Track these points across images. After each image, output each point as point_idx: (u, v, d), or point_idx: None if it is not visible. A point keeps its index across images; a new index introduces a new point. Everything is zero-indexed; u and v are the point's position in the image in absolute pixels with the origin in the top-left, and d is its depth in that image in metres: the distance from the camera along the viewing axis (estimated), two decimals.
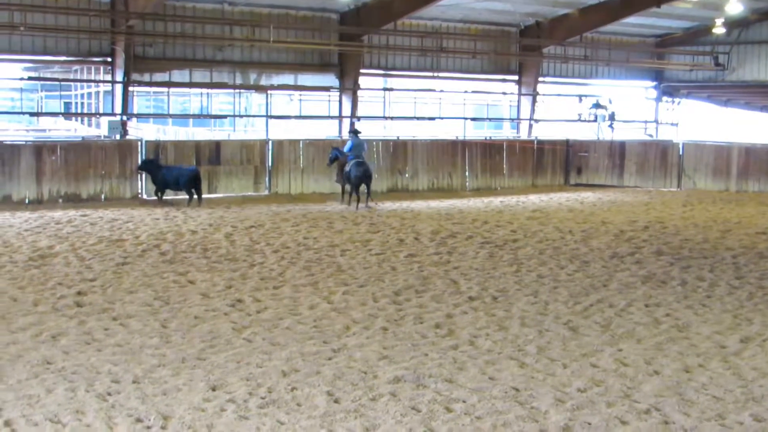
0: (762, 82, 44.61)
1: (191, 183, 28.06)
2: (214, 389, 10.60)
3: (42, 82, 41.47)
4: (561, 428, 9.65)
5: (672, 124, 45.86)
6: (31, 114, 42.26)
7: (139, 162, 28.89)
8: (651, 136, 45.11)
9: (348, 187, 29.06)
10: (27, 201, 27.43)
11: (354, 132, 30.04)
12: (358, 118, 38.08)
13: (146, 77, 34.70)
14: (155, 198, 28.50)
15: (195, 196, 28.10)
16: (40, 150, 28.12)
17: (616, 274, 18.35)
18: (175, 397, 10.31)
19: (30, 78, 37.35)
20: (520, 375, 11.42)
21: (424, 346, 12.69)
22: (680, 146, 38.06)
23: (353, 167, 28.32)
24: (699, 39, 45.43)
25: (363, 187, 28.52)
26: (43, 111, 44.01)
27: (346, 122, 37.70)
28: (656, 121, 46.95)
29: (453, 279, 17.44)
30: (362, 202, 28.61)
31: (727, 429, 9.77)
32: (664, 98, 48.35)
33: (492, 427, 9.65)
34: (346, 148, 29.36)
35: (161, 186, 28.51)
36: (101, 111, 37.53)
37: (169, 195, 28.76)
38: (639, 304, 15.64)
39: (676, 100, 48.22)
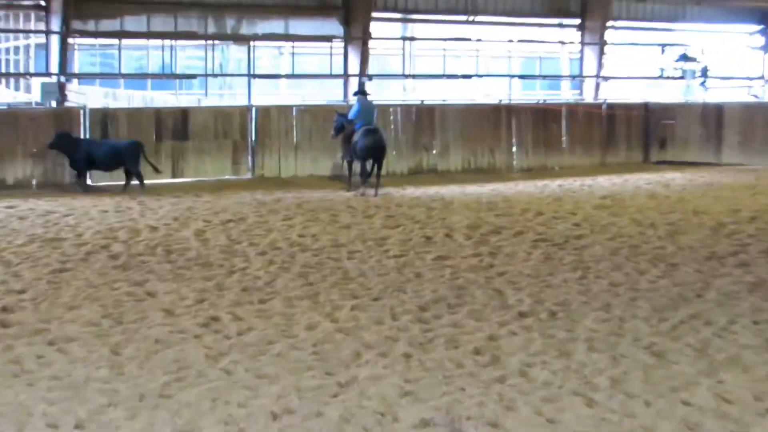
0: None
1: (128, 161, 28.22)
2: None
3: None
4: None
5: None
6: None
7: (51, 138, 28.53)
8: (757, 96, 44.98)
9: (357, 165, 29.26)
10: None
11: (362, 93, 30.24)
12: (370, 77, 38.08)
13: (91, 25, 34.75)
14: (76, 185, 28.67)
15: (134, 180, 28.08)
16: None
17: (713, 280, 18.27)
18: None
19: None
20: (588, 416, 11.34)
21: (459, 378, 12.62)
22: None
23: (361, 136, 28.59)
24: None
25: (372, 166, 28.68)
26: None
27: (354, 82, 37.69)
28: (764, 78, 46.81)
29: (497, 289, 17.39)
30: (375, 187, 28.73)
31: None
32: None
33: None
34: (351, 114, 29.60)
35: (83, 168, 28.68)
36: (32, 70, 37.60)
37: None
38: (745, 320, 15.54)
39: None
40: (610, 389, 12.23)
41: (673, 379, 12.68)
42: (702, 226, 23.97)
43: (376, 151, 28.31)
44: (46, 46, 33.78)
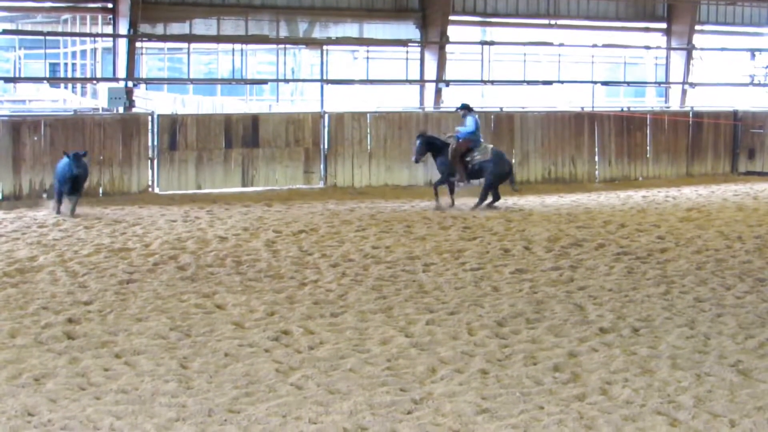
0: None
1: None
2: None
3: (21, 37, 42.05)
4: None
5: None
6: (6, 80, 42.85)
7: None
8: None
9: (458, 183, 29.12)
10: (0, 196, 27.79)
11: (469, 108, 29.62)
12: (447, 83, 38.09)
13: (159, 29, 34.99)
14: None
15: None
16: (18, 127, 28.53)
17: None
18: None
19: (5, 31, 37.88)
20: None
21: (538, 395, 12.65)
22: None
23: (494, 162, 28.60)
24: None
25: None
26: (22, 75, 44.60)
27: (430, 88, 37.70)
28: None
29: (578, 304, 17.37)
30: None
31: None
32: None
33: None
34: (469, 130, 29.07)
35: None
36: (99, 75, 37.94)
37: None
38: None
39: None
40: (694, 408, 12.21)
41: (760, 398, 12.64)
42: None
43: (505, 177, 28.86)
44: (113, 50, 34.02)
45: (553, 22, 40.96)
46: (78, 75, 41.83)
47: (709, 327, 16.00)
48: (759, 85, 42.87)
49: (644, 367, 13.86)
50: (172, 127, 29.93)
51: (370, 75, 40.54)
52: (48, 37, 40.24)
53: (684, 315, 16.73)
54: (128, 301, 16.97)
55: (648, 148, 36.18)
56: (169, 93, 40.37)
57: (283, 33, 37.12)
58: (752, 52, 44.07)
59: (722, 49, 44.76)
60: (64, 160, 25.43)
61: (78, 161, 25.25)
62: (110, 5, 33.29)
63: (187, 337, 14.93)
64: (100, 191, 28.88)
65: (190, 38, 36.06)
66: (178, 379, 12.97)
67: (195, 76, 39.20)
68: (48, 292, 17.56)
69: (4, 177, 28.03)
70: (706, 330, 15.81)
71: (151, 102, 35.94)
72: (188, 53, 38.06)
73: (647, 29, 43.23)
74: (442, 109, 36.54)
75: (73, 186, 25.40)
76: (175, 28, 35.39)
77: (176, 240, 22.46)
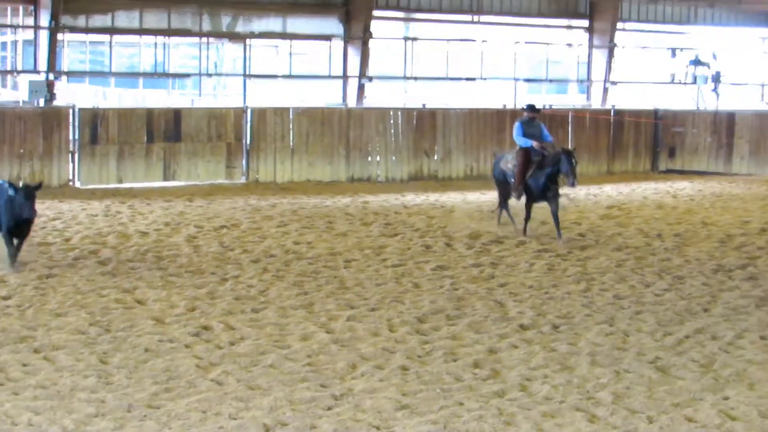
0: None
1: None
2: None
3: None
4: None
5: None
6: None
7: None
8: None
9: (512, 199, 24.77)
10: None
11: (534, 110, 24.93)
12: (370, 78, 38.10)
13: (81, 21, 34.75)
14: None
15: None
16: None
17: (721, 294, 18.35)
18: None
19: None
20: None
21: (458, 392, 12.71)
22: None
23: (535, 179, 23.56)
24: None
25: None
26: None
27: (353, 83, 37.70)
28: None
29: (498, 300, 17.47)
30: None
31: None
32: None
33: None
34: (546, 137, 24.28)
35: None
36: (20, 67, 37.60)
37: None
38: (752, 335, 15.63)
39: None
40: (612, 405, 12.33)
41: (677, 395, 12.78)
42: (710, 237, 24.06)
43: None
44: (34, 42, 33.78)
45: (476, 18, 41.06)
46: None
47: (628, 324, 16.15)
48: (680, 83, 43.21)
49: (564, 364, 13.97)
50: (94, 120, 29.80)
51: (293, 70, 40.48)
52: None
53: (603, 312, 16.88)
54: (48, 296, 16.90)
55: (569, 144, 36.35)
56: (91, 86, 40.08)
57: (206, 27, 37.01)
58: (673, 50, 44.41)
59: (644, 47, 45.08)
60: (7, 192, 18.87)
61: (32, 200, 18.63)
62: None
63: (107, 333, 14.89)
64: (20, 185, 28.62)
65: (112, 31, 35.84)
66: (98, 375, 12.94)
67: (117, 69, 38.89)
68: None
69: None
70: (625, 327, 15.96)
71: (72, 95, 35.67)
72: (110, 46, 37.78)
73: (570, 26, 43.46)
74: (364, 105, 36.54)
75: (24, 229, 19.16)
76: (98, 21, 35.15)
77: (97, 235, 22.35)
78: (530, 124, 23.75)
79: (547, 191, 23.06)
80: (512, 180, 23.71)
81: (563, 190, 23.44)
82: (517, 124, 23.96)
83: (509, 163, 23.90)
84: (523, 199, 23.85)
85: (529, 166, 23.21)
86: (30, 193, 18.38)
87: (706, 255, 21.92)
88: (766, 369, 13.98)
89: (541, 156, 23.27)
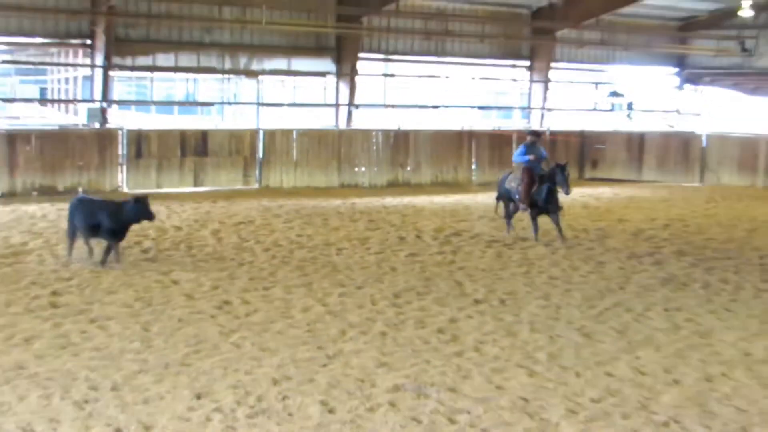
0: None
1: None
2: (199, 397, 10.62)
3: (16, 66, 41.44)
4: None
5: (695, 114, 45.82)
6: (4, 100, 42.23)
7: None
8: (672, 126, 45.09)
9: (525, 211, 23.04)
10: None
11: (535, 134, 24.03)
12: (357, 106, 38.05)
13: (128, 61, 34.63)
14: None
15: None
16: (14, 139, 28.17)
17: (633, 275, 18.37)
18: (157, 405, 10.33)
19: (3, 61, 37.33)
20: (530, 384, 11.43)
21: (425, 352, 12.70)
22: (703, 138, 38.10)
23: (540, 193, 22.43)
24: (724, 22, 45.30)
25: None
26: (17, 97, 43.98)
27: (344, 110, 37.65)
28: (678, 111, 46.92)
29: (457, 280, 17.46)
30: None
31: None
32: (687, 86, 48.26)
33: None
34: (522, 157, 22.96)
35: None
36: (79, 97, 37.49)
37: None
38: (658, 308, 15.65)
39: (700, 88, 48.14)
40: (547, 362, 12.35)
41: (598, 354, 12.80)
42: (625, 231, 24.08)
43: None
44: (91, 78, 33.62)
45: (441, 59, 41.01)
46: (62, 97, 41.33)
47: (560, 299, 16.16)
48: (601, 110, 43.20)
49: (509, 331, 13.97)
50: (138, 139, 29.70)
51: (296, 99, 40.47)
52: (38, 66, 39.76)
53: (540, 290, 16.88)
54: (101, 278, 16.84)
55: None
56: (136, 112, 39.98)
57: (228, 65, 36.88)
58: (596, 84, 44.43)
59: (572, 82, 45.09)
60: (128, 204, 18.14)
61: (148, 207, 18.22)
62: (89, 42, 32.93)
63: (148, 306, 14.85)
64: (80, 190, 28.53)
65: (153, 68, 35.70)
66: (141, 340, 12.91)
67: (157, 99, 38.83)
68: (36, 270, 17.37)
69: (2, 178, 27.70)
70: (557, 301, 15.97)
71: (121, 119, 35.54)
72: (151, 81, 37.70)
73: (514, 65, 43.40)
74: (352, 128, 36.52)
75: (125, 233, 18.54)
76: (141, 60, 35.01)
77: (140, 229, 22.22)
78: (532, 147, 22.76)
79: (548, 204, 22.29)
80: (517, 197, 22.65)
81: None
82: (521, 147, 23.07)
83: (512, 182, 22.92)
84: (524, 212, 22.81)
85: (533, 183, 22.34)
86: (146, 202, 18.18)
87: (621, 245, 21.93)
88: (669, 335, 14.00)
89: (540, 176, 22.36)
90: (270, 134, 32.02)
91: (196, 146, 30.58)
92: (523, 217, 23.13)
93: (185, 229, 22.58)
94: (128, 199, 18.43)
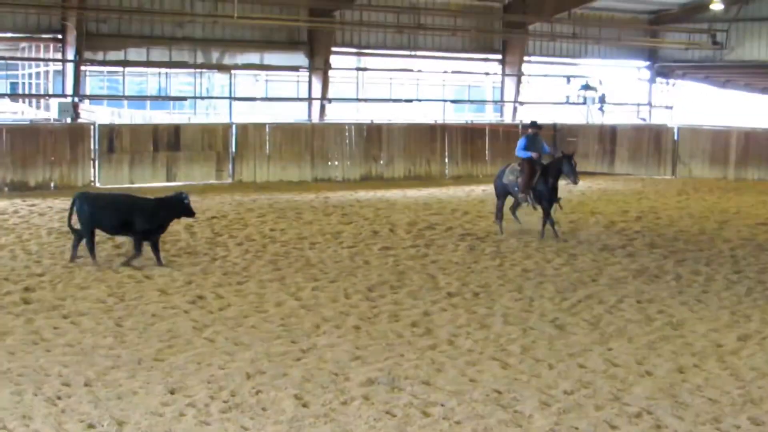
0: (762, 62, 44.77)
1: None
2: (172, 392, 10.60)
3: None
4: None
5: (666, 107, 46.03)
6: None
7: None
8: (644, 119, 45.28)
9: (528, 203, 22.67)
10: None
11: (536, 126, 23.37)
12: (329, 100, 38.04)
13: (100, 56, 34.51)
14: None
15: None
16: None
17: (606, 268, 18.43)
18: (130, 401, 10.30)
19: None
20: (503, 377, 11.46)
21: (399, 346, 12.72)
22: (675, 131, 38.25)
23: (546, 181, 21.99)
24: (695, 16, 45.50)
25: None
26: None
27: (316, 104, 37.63)
28: (650, 104, 47.13)
29: (431, 274, 17.48)
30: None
31: None
32: (658, 79, 48.46)
33: None
34: (525, 151, 22.47)
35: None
36: (51, 92, 37.31)
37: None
38: (630, 300, 15.72)
39: (671, 81, 48.33)
40: (520, 355, 12.38)
41: (571, 346, 12.85)
42: (597, 223, 24.16)
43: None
44: (62, 72, 33.50)
45: (413, 53, 41.04)
46: (34, 92, 41.13)
47: (533, 291, 16.22)
48: (573, 103, 43.31)
49: (482, 323, 14.00)
50: (110, 134, 29.60)
51: (268, 94, 40.38)
52: (9, 61, 39.50)
53: (514, 282, 16.93)
54: (74, 273, 16.78)
55: (487, 152, 36.45)
56: (108, 107, 39.77)
57: (200, 60, 36.80)
58: (568, 78, 44.52)
59: (545, 76, 45.19)
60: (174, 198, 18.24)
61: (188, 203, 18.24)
62: (60, 36, 32.81)
63: (121, 302, 14.82)
64: (52, 185, 28.43)
65: (124, 63, 35.59)
66: (114, 335, 12.89)
67: (129, 93, 38.64)
68: (8, 266, 17.30)
69: None
70: (530, 294, 16.02)
71: (93, 114, 35.38)
72: (123, 75, 37.56)
73: (487, 59, 43.47)
74: (325, 122, 36.53)
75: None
76: (113, 55, 34.91)
77: None
78: (534, 139, 22.40)
79: (555, 193, 21.85)
80: (516, 189, 22.19)
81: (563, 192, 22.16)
82: (522, 140, 22.66)
83: (510, 175, 22.45)
84: (525, 204, 22.49)
85: (534, 175, 21.89)
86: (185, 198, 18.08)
87: (594, 237, 22.01)
88: (642, 326, 14.07)
89: (542, 166, 21.98)
90: (243, 128, 31.96)
91: (168, 141, 30.48)
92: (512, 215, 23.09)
93: None
94: (167, 196, 18.36)
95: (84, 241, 17.78)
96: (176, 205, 17.87)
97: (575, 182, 22.05)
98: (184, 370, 11.36)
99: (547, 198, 21.84)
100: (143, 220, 17.57)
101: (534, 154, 22.10)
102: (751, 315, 14.94)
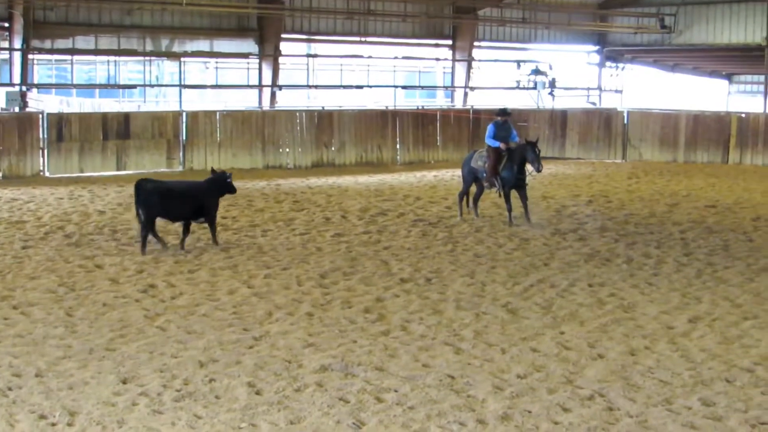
0: (710, 45, 45.14)
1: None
2: (124, 382, 10.54)
3: None
4: (499, 417, 9.73)
5: (616, 91, 46.31)
6: None
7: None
8: (594, 104, 45.51)
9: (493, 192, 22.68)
10: None
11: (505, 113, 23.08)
12: (280, 87, 37.93)
13: (47, 44, 34.23)
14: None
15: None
16: None
17: (557, 252, 18.52)
18: (82, 391, 10.23)
19: None
20: (456, 362, 11.49)
21: (352, 332, 12.72)
22: (625, 114, 38.46)
23: (509, 168, 21.91)
24: (644, 0, 45.80)
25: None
26: None
27: (267, 92, 37.52)
28: (599, 88, 47.37)
29: (383, 260, 17.49)
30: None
31: (674, 414, 9.92)
32: (608, 63, 48.72)
33: (426, 417, 9.71)
34: (493, 140, 22.27)
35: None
36: None
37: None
38: (582, 283, 15.81)
39: (620, 65, 48.61)
40: (473, 340, 12.42)
41: (524, 331, 12.91)
42: (549, 208, 24.25)
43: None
44: (9, 61, 33.21)
45: (363, 39, 41.02)
46: None
47: (486, 276, 16.26)
48: (523, 88, 43.45)
49: (435, 309, 14.03)
50: (59, 123, 29.35)
51: (219, 81, 40.22)
52: None
53: (466, 267, 16.97)
54: (24, 264, 16.64)
55: (438, 137, 36.50)
56: (57, 96, 39.42)
57: (149, 47, 36.59)
58: (518, 62, 44.65)
59: (495, 61, 45.30)
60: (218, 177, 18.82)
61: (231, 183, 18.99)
62: (6, 25, 32.50)
63: (72, 291, 14.71)
64: (0, 175, 28.18)
65: (73, 51, 35.36)
66: (65, 325, 12.80)
67: (77, 82, 38.33)
68: None
69: None
70: (483, 279, 16.06)
71: (41, 103, 35.08)
72: (72, 63, 37.29)
73: (437, 45, 43.53)
74: (276, 108, 36.43)
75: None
76: (61, 43, 34.64)
77: (63, 214, 22.02)
78: (502, 126, 22.16)
79: (518, 180, 21.74)
80: (483, 174, 22.07)
81: (529, 175, 22.33)
82: (490, 126, 22.42)
83: (478, 161, 22.27)
84: (492, 191, 22.49)
85: (500, 161, 21.80)
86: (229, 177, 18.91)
87: (545, 221, 22.09)
88: (593, 310, 14.15)
89: (508, 152, 21.84)
90: (193, 116, 31.80)
91: (118, 129, 30.28)
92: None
93: (109, 212, 22.35)
94: (214, 176, 18.91)
95: (141, 230, 18.00)
96: (222, 185, 18.51)
97: (538, 170, 21.68)
98: (136, 360, 11.31)
99: (512, 184, 21.76)
100: (213, 204, 18.39)
101: (502, 145, 21.85)
102: (701, 297, 15.07)
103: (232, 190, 18.88)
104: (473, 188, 22.69)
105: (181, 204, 18.08)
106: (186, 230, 18.34)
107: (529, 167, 21.76)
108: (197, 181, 19.48)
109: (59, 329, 12.59)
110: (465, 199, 22.80)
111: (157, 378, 10.66)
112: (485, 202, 22.73)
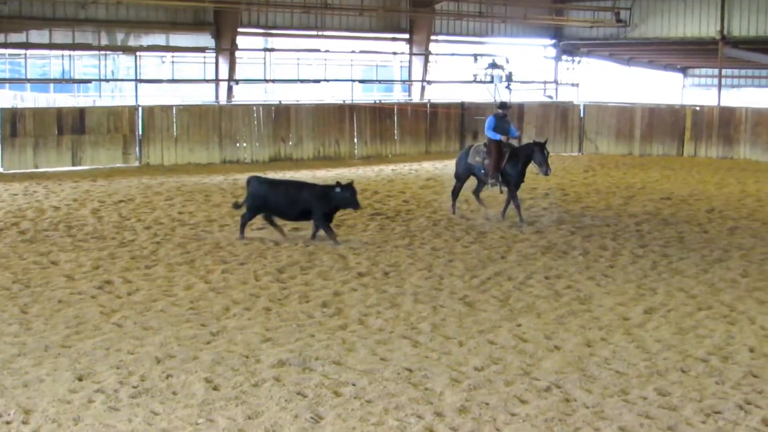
0: (665, 39, 45.39)
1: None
2: (80, 379, 10.49)
3: None
4: (457, 409, 9.77)
5: (572, 85, 46.44)
6: None
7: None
8: (550, 97, 45.65)
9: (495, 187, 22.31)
10: None
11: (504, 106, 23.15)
12: (237, 82, 37.81)
13: (0, 38, 33.91)
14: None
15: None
16: None
17: (514, 245, 18.60)
18: (37, 388, 10.17)
19: None
20: (414, 355, 11.52)
21: (310, 326, 12.72)
22: (581, 108, 38.68)
23: (514, 165, 21.71)
24: None
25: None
26: None
27: (223, 86, 37.39)
28: (556, 82, 47.52)
29: (341, 254, 17.49)
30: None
31: (630, 405, 10.00)
32: (564, 57, 48.85)
33: (383, 410, 9.73)
34: (495, 133, 22.13)
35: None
36: None
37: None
38: (539, 276, 15.89)
39: (577, 59, 48.78)
40: (431, 333, 12.46)
41: (481, 323, 12.96)
42: (505, 201, 24.27)
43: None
44: None
45: (320, 33, 40.92)
46: None
47: (443, 269, 16.30)
48: (480, 82, 43.55)
49: (393, 302, 14.05)
50: (13, 118, 29.13)
51: (175, 75, 40.04)
52: None
53: (423, 261, 17.01)
54: None
55: (395, 131, 36.52)
56: (10, 91, 39.17)
57: (104, 42, 36.33)
58: (475, 56, 44.69)
59: (452, 54, 45.37)
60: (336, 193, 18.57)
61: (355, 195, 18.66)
62: None
63: (27, 288, 14.60)
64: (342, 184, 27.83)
65: (26, 46, 35.04)
66: (20, 322, 12.71)
67: (32, 76, 38.07)
68: None
69: None
70: (440, 272, 16.11)
71: None
72: (25, 58, 36.99)
73: (394, 39, 43.51)
74: (233, 103, 36.32)
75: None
76: (14, 38, 34.33)
77: (17, 210, 21.86)
78: (502, 120, 21.97)
79: (521, 180, 21.52)
80: (482, 171, 21.77)
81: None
82: (490, 118, 22.14)
83: (476, 156, 22.05)
84: (497, 188, 22.03)
85: (503, 157, 21.50)
86: (354, 190, 18.65)
87: (502, 215, 22.14)
88: (550, 302, 14.23)
89: (509, 147, 21.66)
90: (149, 111, 31.64)
91: (73, 124, 30.08)
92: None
93: (64, 208, 22.21)
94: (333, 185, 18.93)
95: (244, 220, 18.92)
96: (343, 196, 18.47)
97: (546, 173, 21.28)
98: (92, 356, 11.25)
99: (515, 181, 21.55)
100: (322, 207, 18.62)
101: (503, 138, 21.73)
102: (656, 288, 15.19)
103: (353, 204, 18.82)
104: (471, 185, 22.46)
105: (290, 204, 18.81)
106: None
107: (533, 168, 21.65)
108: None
109: (14, 326, 12.50)
110: (458, 194, 22.50)
111: (113, 374, 10.62)
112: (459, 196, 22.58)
